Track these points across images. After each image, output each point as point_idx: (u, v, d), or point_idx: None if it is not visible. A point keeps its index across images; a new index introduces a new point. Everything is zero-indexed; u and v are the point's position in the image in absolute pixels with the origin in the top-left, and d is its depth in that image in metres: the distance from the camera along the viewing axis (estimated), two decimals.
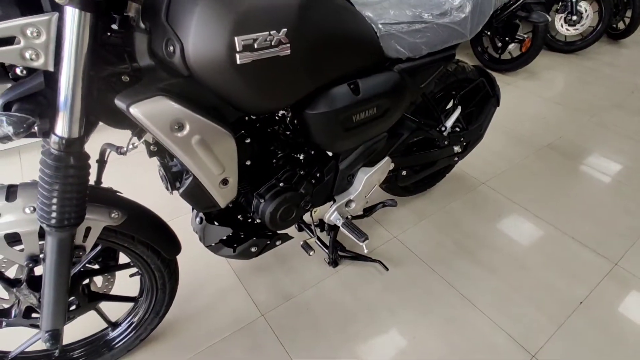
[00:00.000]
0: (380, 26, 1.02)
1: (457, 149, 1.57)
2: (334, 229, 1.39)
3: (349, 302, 1.37)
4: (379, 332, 1.29)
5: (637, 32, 3.73)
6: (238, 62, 0.70)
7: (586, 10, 3.30)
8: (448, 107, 1.53)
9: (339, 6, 0.87)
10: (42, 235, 0.80)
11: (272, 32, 0.71)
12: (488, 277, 1.48)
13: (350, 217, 1.35)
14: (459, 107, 1.42)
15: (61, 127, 0.68)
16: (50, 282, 0.83)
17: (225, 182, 0.85)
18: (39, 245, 0.83)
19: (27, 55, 0.61)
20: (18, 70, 0.64)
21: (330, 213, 1.23)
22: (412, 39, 1.08)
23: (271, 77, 0.76)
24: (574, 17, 3.29)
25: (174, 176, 0.88)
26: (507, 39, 2.87)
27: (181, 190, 0.86)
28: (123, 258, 1.03)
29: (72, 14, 0.61)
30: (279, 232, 1.19)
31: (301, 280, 1.45)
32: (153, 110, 0.69)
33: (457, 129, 1.55)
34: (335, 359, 1.21)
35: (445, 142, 1.49)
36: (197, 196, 0.86)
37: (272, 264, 1.50)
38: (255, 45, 0.70)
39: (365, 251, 1.37)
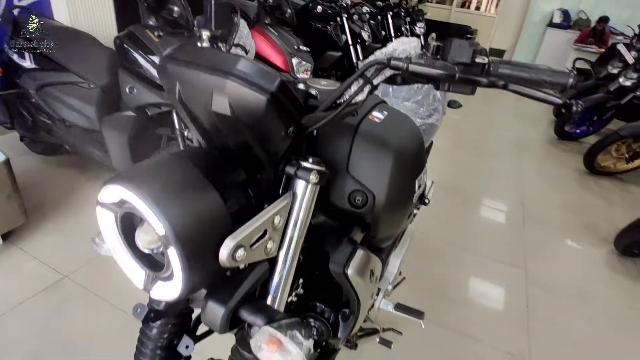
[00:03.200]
0: None
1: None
2: None
3: None
4: None
5: None
6: (414, 199, 0.74)
7: None
8: None
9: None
10: None
11: (424, 169, 0.79)
12: (463, 309, 1.77)
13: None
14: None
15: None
16: None
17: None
18: None
19: (269, 246, 0.52)
20: (242, 266, 0.52)
21: (378, 301, 1.27)
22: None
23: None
24: None
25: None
26: None
27: (341, 333, 0.78)
28: None
29: (304, 191, 0.55)
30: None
31: None
32: (359, 267, 0.66)
33: None
34: None
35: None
36: (346, 332, 0.81)
37: None
38: (420, 183, 0.77)
39: (423, 326, 1.42)
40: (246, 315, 0.52)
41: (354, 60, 3.44)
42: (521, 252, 2.25)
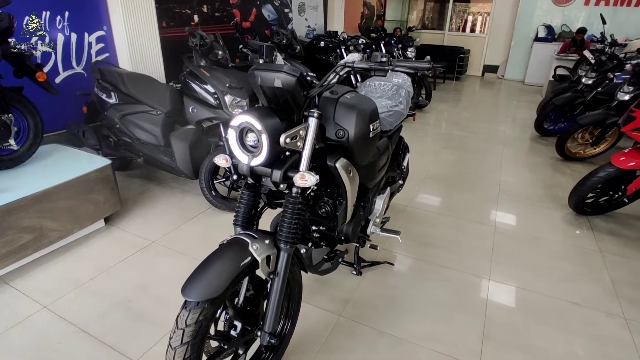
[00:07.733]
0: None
1: (400, 182, 2.50)
2: (357, 247, 2.07)
3: (383, 290, 2.03)
4: (406, 300, 1.98)
5: (433, 101, 5.76)
6: (370, 135, 1.43)
7: None
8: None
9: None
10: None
11: (377, 121, 1.48)
12: (441, 251, 2.38)
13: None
14: (408, 152, 2.38)
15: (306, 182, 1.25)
16: (277, 292, 1.27)
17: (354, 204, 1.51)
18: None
19: (298, 144, 1.21)
20: (287, 154, 1.23)
21: (369, 227, 1.92)
22: (390, 119, 1.98)
23: (377, 140, 1.52)
24: None
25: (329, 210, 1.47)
26: None
27: (339, 211, 1.46)
28: None
29: (313, 121, 1.24)
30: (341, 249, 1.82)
31: (346, 289, 2.03)
32: (342, 164, 1.35)
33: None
34: (396, 323, 1.84)
35: (397, 176, 2.40)
36: (342, 217, 1.48)
37: (320, 288, 2.03)
38: (374, 127, 1.45)
39: (400, 240, 2.07)
40: (290, 173, 1.20)
41: (353, 82, 4.20)
42: (493, 215, 2.85)
